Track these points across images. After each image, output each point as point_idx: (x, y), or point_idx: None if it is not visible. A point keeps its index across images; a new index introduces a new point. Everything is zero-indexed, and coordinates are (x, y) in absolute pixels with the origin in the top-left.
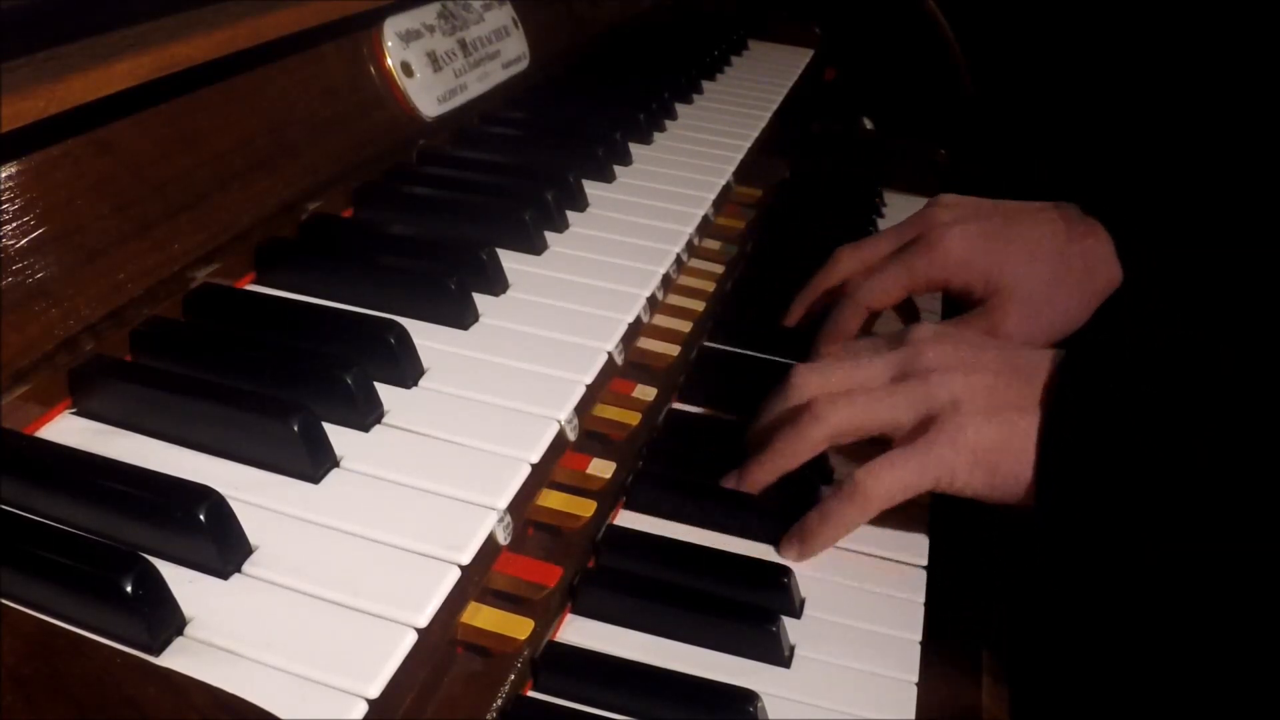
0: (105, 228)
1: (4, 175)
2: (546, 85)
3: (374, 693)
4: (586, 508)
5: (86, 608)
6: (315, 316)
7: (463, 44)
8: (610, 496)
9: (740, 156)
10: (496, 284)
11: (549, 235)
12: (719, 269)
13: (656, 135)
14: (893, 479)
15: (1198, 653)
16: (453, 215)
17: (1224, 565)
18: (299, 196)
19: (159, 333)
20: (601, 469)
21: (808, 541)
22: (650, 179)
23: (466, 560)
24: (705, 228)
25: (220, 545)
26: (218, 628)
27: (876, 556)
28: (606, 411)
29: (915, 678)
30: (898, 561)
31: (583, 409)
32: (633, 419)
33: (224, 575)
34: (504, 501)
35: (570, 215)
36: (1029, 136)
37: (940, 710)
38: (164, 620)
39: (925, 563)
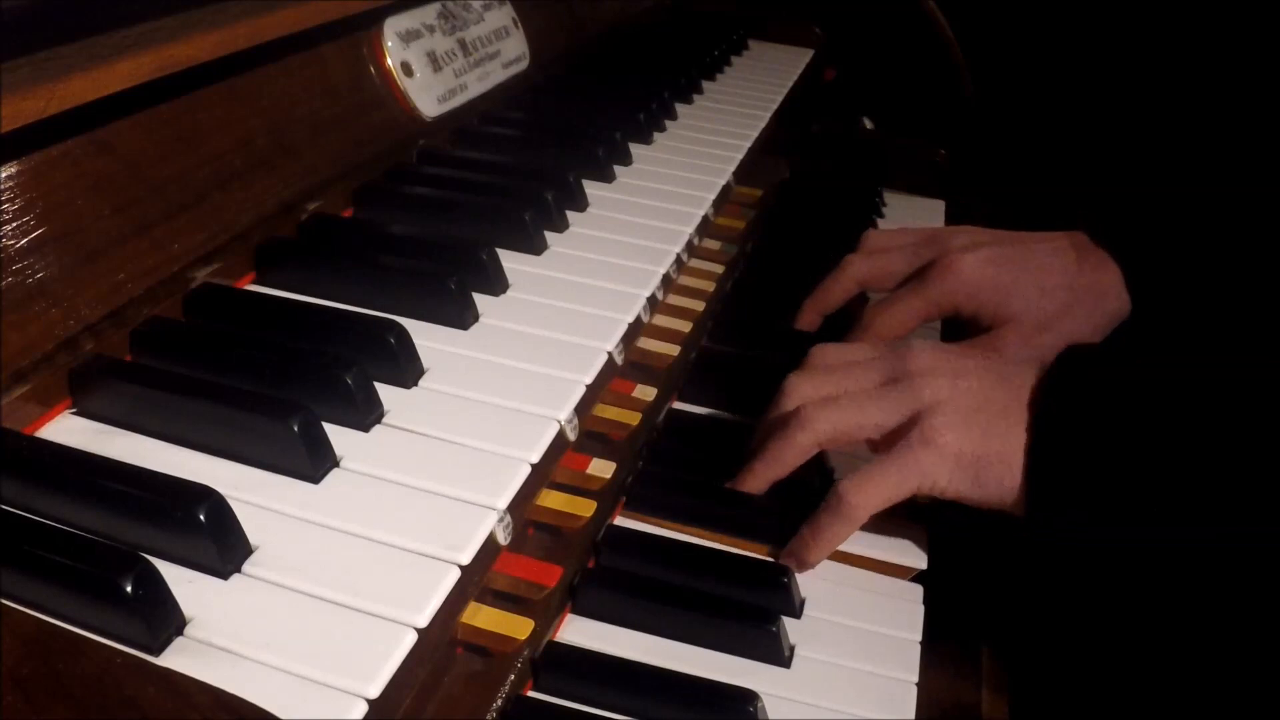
0: (105, 228)
1: (4, 175)
2: (546, 85)
3: (374, 693)
4: (586, 508)
5: (86, 608)
6: (315, 316)
7: (463, 44)
8: (610, 496)
9: (740, 156)
10: (496, 284)
11: (549, 235)
12: (719, 269)
13: (656, 135)
14: (874, 488)
15: (1193, 653)
16: (453, 215)
17: (1217, 568)
18: (299, 196)
19: (159, 333)
20: (601, 469)
21: (802, 555)
22: (650, 179)
23: (466, 560)
24: (705, 228)
25: (220, 545)
26: (218, 628)
27: (877, 558)
28: (606, 411)
29: (915, 678)
30: (898, 562)
31: (583, 409)
32: (633, 419)
33: (224, 575)
34: (504, 501)
35: (570, 215)
36: (1029, 137)
37: (940, 710)
38: (164, 620)
39: (925, 563)
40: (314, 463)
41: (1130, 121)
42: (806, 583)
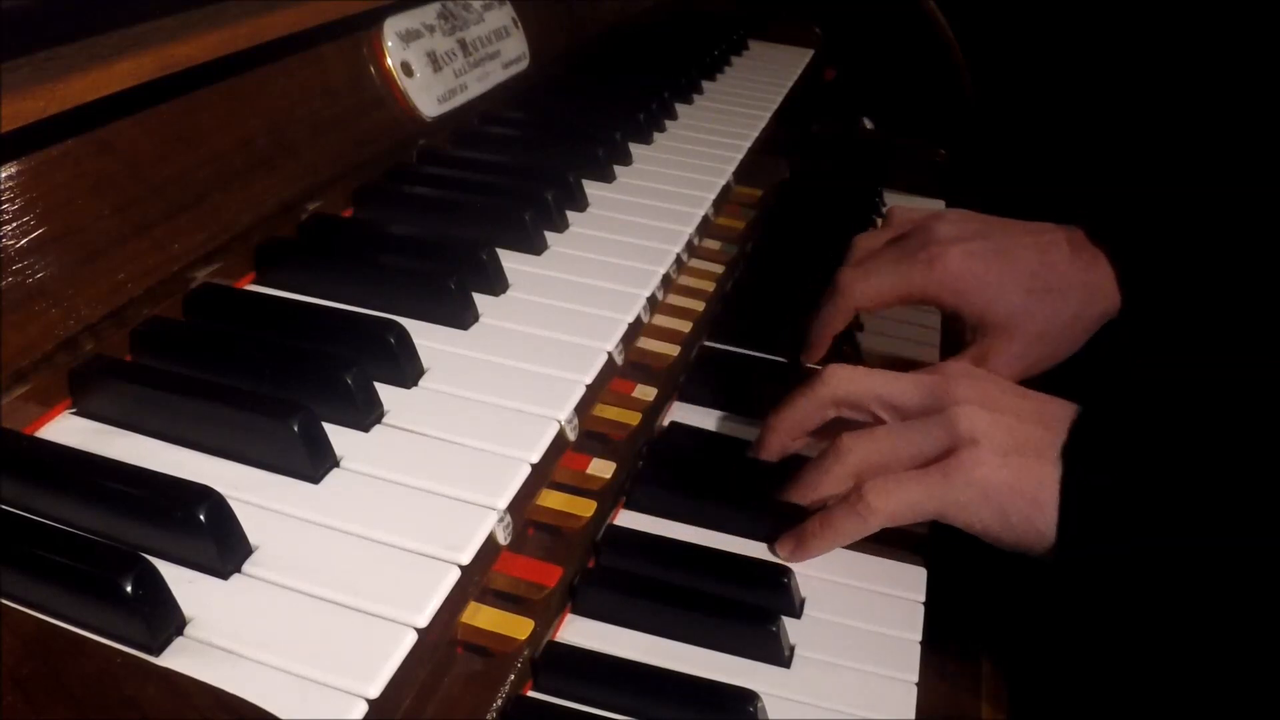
0: (105, 228)
1: (4, 175)
2: (546, 85)
3: (374, 693)
4: (586, 508)
5: (87, 608)
6: (315, 316)
7: (463, 44)
8: (610, 496)
9: (740, 156)
10: (496, 284)
11: (549, 235)
12: (719, 269)
13: (656, 135)
14: (900, 499)
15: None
16: (453, 215)
17: (1226, 581)
18: (299, 196)
19: (159, 333)
20: (601, 469)
21: (805, 544)
22: (650, 179)
23: (466, 560)
24: (705, 228)
25: (220, 545)
26: (218, 628)
27: (877, 557)
28: (606, 411)
29: (915, 678)
30: (898, 562)
31: (583, 409)
32: (633, 419)
33: (224, 575)
34: (504, 501)
35: (570, 215)
36: (1029, 137)
37: (940, 710)
38: (164, 620)
39: (925, 563)
40: (314, 463)
41: (1130, 122)
42: (806, 583)
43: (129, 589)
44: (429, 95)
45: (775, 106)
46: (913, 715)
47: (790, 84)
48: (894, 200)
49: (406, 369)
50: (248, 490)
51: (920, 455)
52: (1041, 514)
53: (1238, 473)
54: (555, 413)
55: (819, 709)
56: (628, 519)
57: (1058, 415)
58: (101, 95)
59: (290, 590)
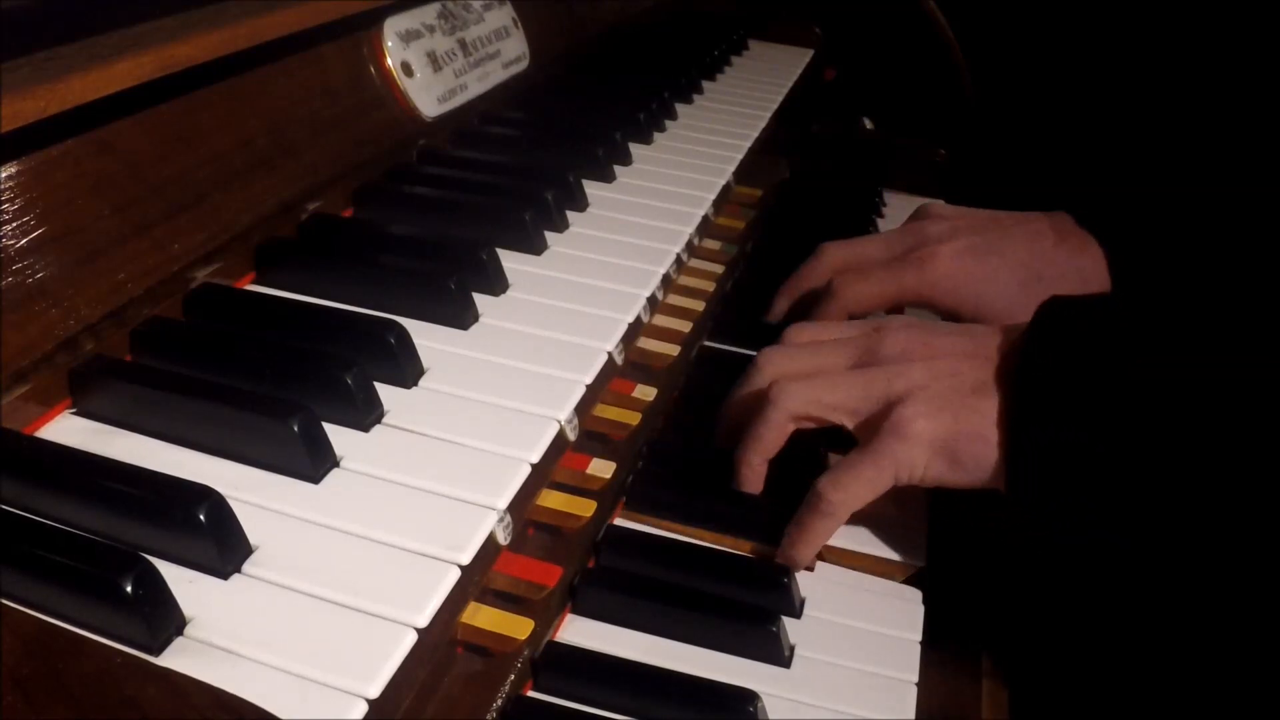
0: (105, 228)
1: (4, 175)
2: (546, 85)
3: (374, 693)
4: (586, 508)
5: (86, 608)
6: (315, 316)
7: (463, 44)
8: (610, 496)
9: (740, 156)
10: (496, 284)
11: (549, 235)
12: (719, 269)
13: (656, 135)
14: (851, 484)
15: (1194, 656)
16: (453, 215)
17: (1217, 567)
18: (299, 196)
19: (159, 333)
20: (601, 469)
21: (791, 554)
22: (650, 179)
23: (466, 560)
24: (705, 228)
25: (220, 545)
26: (218, 628)
27: (876, 556)
28: (606, 411)
29: (915, 678)
30: (898, 561)
31: (583, 409)
32: (633, 419)
33: (224, 575)
34: (504, 501)
35: (570, 215)
36: (1029, 137)
37: (940, 710)
38: (164, 620)
39: (925, 563)
40: (314, 463)
41: (1130, 122)
42: (806, 583)
43: (129, 589)
44: (429, 95)
45: (775, 106)
46: (913, 715)
47: (790, 84)
48: (894, 200)
49: (406, 369)
50: (248, 490)
51: (857, 411)
52: (990, 449)
53: (1184, 385)
54: (555, 413)
55: (819, 709)
56: (628, 519)
57: (994, 343)
58: (101, 95)
59: (290, 590)
